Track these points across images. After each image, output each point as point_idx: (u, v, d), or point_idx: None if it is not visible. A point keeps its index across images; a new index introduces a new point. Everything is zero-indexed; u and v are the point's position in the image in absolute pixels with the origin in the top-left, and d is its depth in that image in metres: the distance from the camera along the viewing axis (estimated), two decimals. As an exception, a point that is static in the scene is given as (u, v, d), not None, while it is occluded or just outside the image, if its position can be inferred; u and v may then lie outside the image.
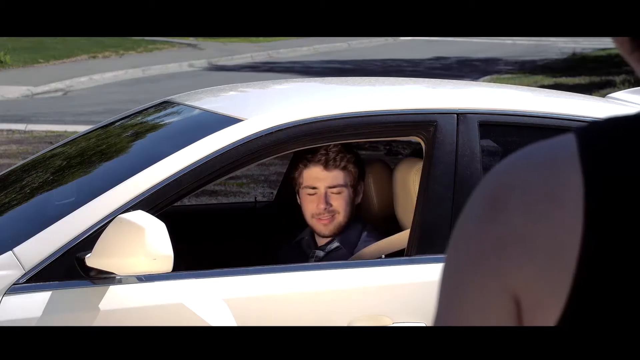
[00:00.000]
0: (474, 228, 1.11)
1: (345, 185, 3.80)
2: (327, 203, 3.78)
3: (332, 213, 3.79)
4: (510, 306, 1.09)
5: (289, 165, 4.59)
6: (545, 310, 1.07)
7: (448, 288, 1.13)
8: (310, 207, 3.80)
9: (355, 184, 3.84)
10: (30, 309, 3.12)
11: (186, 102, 4.00)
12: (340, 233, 3.83)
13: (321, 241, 3.88)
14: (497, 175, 1.12)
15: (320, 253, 3.85)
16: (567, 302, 1.06)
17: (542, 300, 1.07)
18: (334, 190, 3.79)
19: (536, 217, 1.08)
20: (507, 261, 1.09)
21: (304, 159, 3.82)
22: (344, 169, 3.80)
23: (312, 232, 3.92)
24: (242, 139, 3.41)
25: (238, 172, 4.87)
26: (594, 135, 1.09)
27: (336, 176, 3.79)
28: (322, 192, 3.79)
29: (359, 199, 3.88)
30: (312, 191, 3.80)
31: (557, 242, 1.07)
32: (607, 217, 1.05)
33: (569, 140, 1.10)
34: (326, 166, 3.79)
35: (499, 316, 1.10)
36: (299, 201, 3.90)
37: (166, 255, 3.11)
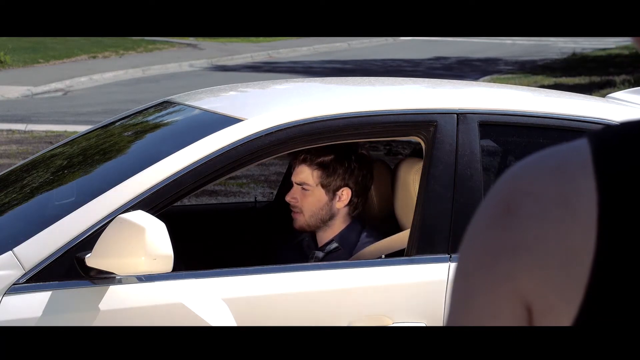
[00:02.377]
0: (486, 233, 1.11)
1: (313, 185, 3.80)
2: (293, 197, 3.84)
3: (296, 209, 3.84)
4: (521, 312, 1.09)
5: (290, 165, 4.59)
6: (558, 316, 1.06)
7: (459, 292, 1.13)
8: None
9: (334, 188, 3.82)
10: (30, 309, 3.12)
11: (186, 102, 4.00)
12: (339, 230, 3.83)
13: (321, 242, 3.88)
14: (510, 180, 1.11)
15: (320, 254, 3.85)
16: (580, 307, 1.05)
17: (555, 306, 1.07)
18: (302, 187, 3.82)
19: (550, 223, 1.07)
20: (519, 267, 1.08)
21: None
22: (317, 168, 3.80)
23: (313, 232, 3.92)
24: (242, 139, 3.41)
25: (238, 172, 4.87)
26: (607, 140, 1.09)
27: (304, 172, 3.81)
28: (294, 186, 3.85)
29: (341, 204, 3.84)
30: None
31: (571, 248, 1.06)
32: (621, 223, 1.05)
33: (582, 146, 1.09)
34: (299, 162, 3.82)
35: (509, 322, 1.09)
36: None
37: (166, 255, 3.11)
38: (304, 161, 3.80)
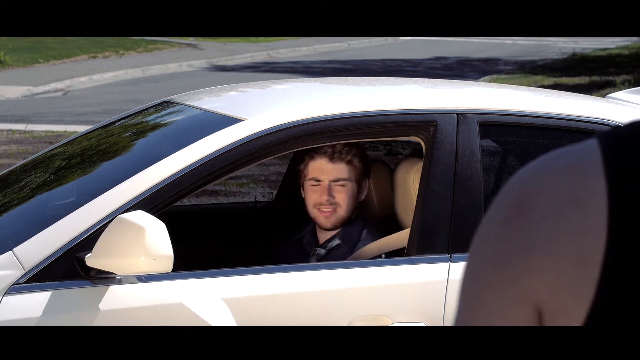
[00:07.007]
0: (497, 234, 1.11)
1: (349, 180, 3.82)
2: (330, 195, 3.82)
3: (334, 206, 3.82)
4: (532, 314, 1.08)
5: (292, 161, 4.59)
6: (569, 316, 1.06)
7: (469, 293, 1.12)
8: (314, 197, 3.83)
9: (360, 180, 3.86)
10: (30, 309, 3.12)
11: (186, 102, 4.00)
12: (342, 227, 3.84)
13: (322, 239, 3.89)
14: (522, 180, 1.11)
15: (322, 251, 3.86)
16: (591, 308, 1.05)
17: (566, 306, 1.06)
18: (338, 183, 3.81)
19: (561, 223, 1.07)
20: (530, 268, 1.08)
21: (310, 150, 3.83)
22: (349, 162, 3.82)
23: (314, 230, 3.93)
24: (242, 139, 3.42)
25: (238, 172, 4.87)
26: (617, 140, 1.09)
27: (340, 169, 3.81)
28: (326, 184, 3.82)
29: (362, 196, 3.90)
30: (316, 183, 3.82)
31: (582, 248, 1.06)
32: (631, 221, 1.05)
33: (592, 146, 1.09)
34: (332, 159, 3.81)
35: (519, 324, 1.09)
36: (302, 194, 3.90)
37: (166, 255, 3.11)
38: (339, 158, 3.83)
